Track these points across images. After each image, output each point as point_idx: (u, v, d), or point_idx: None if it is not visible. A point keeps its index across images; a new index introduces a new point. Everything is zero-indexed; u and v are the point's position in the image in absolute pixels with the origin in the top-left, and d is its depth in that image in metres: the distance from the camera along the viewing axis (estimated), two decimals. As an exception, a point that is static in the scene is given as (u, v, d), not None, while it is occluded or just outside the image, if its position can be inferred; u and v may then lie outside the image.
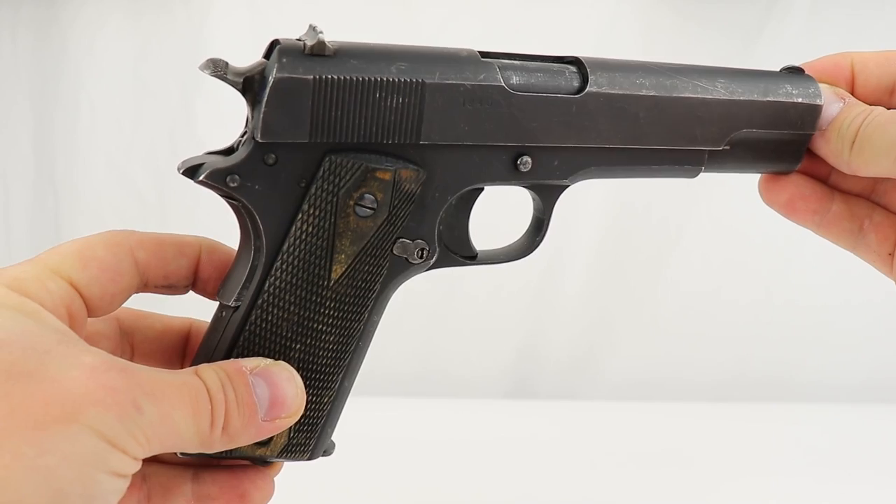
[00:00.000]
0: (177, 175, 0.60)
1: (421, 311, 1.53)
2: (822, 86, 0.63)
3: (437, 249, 0.58)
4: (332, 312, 0.55)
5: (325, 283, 0.54)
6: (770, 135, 0.63)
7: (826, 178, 0.67)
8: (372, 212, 0.54)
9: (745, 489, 1.10)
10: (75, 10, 1.50)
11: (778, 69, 0.66)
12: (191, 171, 0.53)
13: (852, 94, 0.63)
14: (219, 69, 0.50)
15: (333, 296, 0.55)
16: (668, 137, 0.61)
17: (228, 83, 0.51)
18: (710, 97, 0.61)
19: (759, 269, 1.52)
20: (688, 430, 1.32)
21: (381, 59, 0.52)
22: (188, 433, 0.46)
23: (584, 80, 0.58)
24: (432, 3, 1.47)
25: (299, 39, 0.52)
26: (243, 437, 0.50)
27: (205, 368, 0.49)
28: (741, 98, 0.61)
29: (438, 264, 0.60)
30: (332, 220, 0.53)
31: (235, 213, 0.56)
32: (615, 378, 1.55)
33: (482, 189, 0.61)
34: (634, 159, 0.61)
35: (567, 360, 1.56)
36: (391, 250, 0.56)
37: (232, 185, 0.52)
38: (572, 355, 1.56)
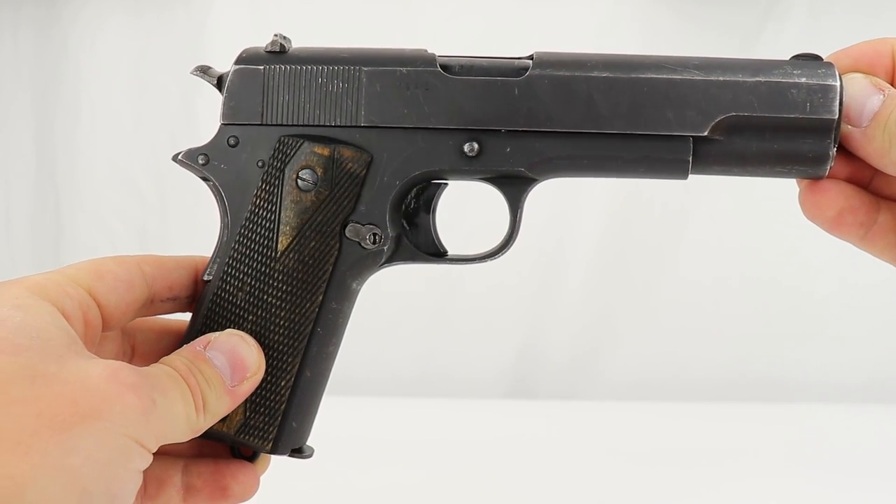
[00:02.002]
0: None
1: (420, 312, 1.53)
2: (857, 76, 0.55)
3: (391, 236, 0.60)
4: (281, 286, 0.59)
5: (273, 254, 0.59)
6: (772, 121, 0.56)
7: (868, 183, 0.59)
8: (314, 186, 0.58)
9: (745, 489, 1.10)
10: (76, 9, 1.51)
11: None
12: (175, 156, 0.62)
13: (893, 85, 0.55)
14: (198, 70, 0.62)
15: (282, 269, 0.59)
16: (633, 122, 0.57)
17: (206, 81, 0.62)
18: (680, 77, 0.56)
19: (763, 264, 1.51)
20: (688, 430, 1.32)
21: (328, 54, 0.60)
22: (183, 421, 0.49)
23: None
24: (432, 3, 1.47)
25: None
26: (221, 409, 0.53)
27: (171, 358, 0.52)
28: (721, 78, 0.56)
29: (402, 258, 0.62)
30: (280, 193, 0.59)
31: (213, 193, 0.62)
32: (616, 378, 1.55)
33: (444, 184, 0.62)
34: (601, 148, 0.58)
35: (567, 360, 1.56)
36: (341, 231, 0.59)
37: (201, 162, 0.61)
38: (573, 355, 1.55)
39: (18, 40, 1.52)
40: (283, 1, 1.49)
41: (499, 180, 0.60)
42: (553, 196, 1.47)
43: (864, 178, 0.59)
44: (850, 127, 0.55)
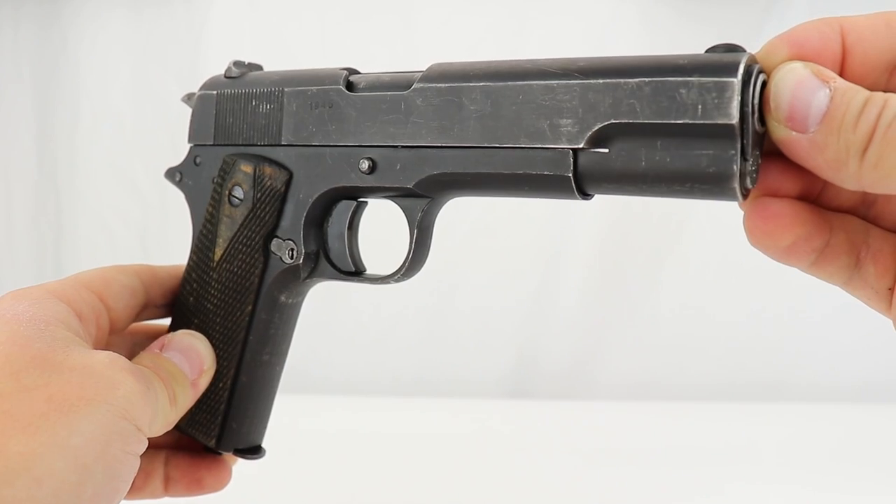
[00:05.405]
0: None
1: (421, 319, 1.53)
2: (795, 65, 0.43)
3: (304, 252, 0.60)
4: (216, 293, 0.63)
5: (211, 264, 0.63)
6: (659, 128, 0.46)
7: (816, 197, 0.49)
8: (240, 202, 0.61)
9: (743, 488, 1.10)
10: (76, 6, 1.51)
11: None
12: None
13: (842, 75, 0.44)
14: (186, 97, 0.67)
15: (217, 277, 0.62)
16: (507, 134, 0.50)
17: (190, 107, 0.66)
18: (557, 82, 0.49)
19: (759, 270, 1.51)
20: (684, 430, 1.32)
21: (264, 77, 0.62)
22: (162, 413, 0.53)
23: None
24: (432, 4, 1.47)
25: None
26: (187, 402, 0.57)
27: (141, 357, 0.57)
28: (601, 81, 0.47)
29: (320, 275, 0.62)
30: (219, 208, 0.62)
31: None
32: (613, 383, 1.55)
33: (363, 203, 0.62)
34: (480, 164, 0.52)
35: (565, 368, 1.55)
36: (265, 245, 0.61)
37: (176, 180, 0.67)
38: (571, 361, 1.55)
39: (18, 37, 1.52)
40: (283, 2, 1.49)
41: (399, 199, 0.58)
42: (552, 203, 1.47)
43: (814, 192, 0.48)
44: (793, 133, 0.43)
